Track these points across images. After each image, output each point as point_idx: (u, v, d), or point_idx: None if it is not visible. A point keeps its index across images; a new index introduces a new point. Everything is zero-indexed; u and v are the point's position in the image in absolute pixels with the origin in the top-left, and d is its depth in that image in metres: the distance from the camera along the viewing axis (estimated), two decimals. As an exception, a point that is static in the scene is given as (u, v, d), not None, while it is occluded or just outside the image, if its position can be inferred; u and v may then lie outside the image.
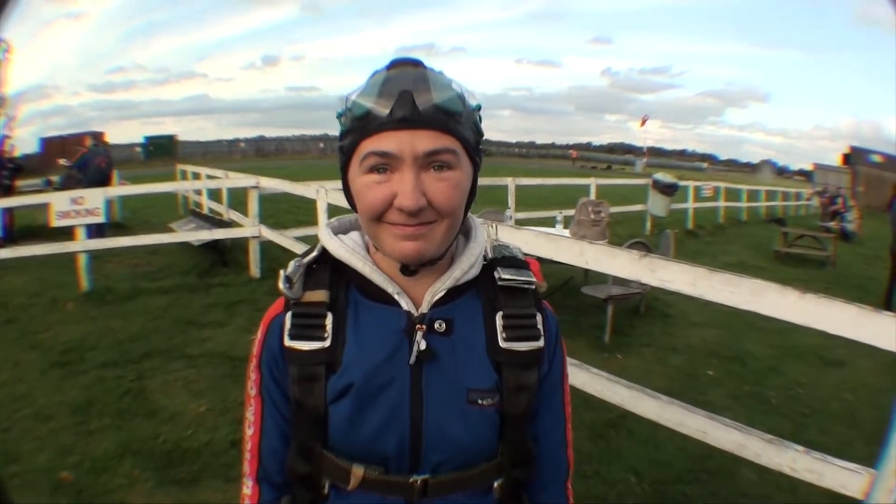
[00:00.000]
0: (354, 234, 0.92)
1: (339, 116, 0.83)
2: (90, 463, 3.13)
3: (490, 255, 0.93)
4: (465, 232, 0.93)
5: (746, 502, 3.02)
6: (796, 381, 4.79)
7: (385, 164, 0.78)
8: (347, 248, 0.89)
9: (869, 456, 2.02)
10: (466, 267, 0.88)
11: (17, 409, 3.75)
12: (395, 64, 0.82)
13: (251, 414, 0.92)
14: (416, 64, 0.82)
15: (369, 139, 0.78)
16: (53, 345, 4.89)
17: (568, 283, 5.66)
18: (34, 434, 3.43)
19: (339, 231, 0.94)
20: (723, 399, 4.27)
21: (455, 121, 0.79)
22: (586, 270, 5.21)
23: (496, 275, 0.90)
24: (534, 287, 0.92)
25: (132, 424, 3.54)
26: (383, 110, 0.77)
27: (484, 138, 0.87)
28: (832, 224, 16.38)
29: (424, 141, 0.77)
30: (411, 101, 0.76)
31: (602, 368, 2.80)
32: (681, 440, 2.70)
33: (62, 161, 10.63)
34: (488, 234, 0.95)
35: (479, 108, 0.84)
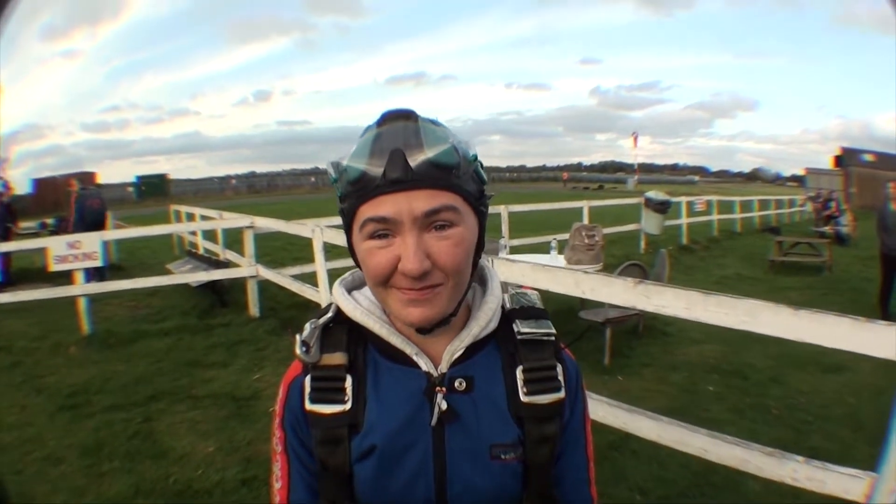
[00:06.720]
0: (368, 292, 0.90)
1: (334, 182, 0.81)
2: (104, 504, 3.15)
3: (508, 306, 0.92)
4: (481, 281, 0.92)
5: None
6: (798, 389, 4.85)
7: (385, 229, 0.76)
8: (363, 310, 0.87)
9: (875, 458, 2.06)
10: (484, 322, 0.87)
11: (27, 451, 3.79)
12: (386, 118, 0.79)
13: (278, 469, 0.93)
14: (408, 116, 0.78)
15: (366, 204, 0.77)
16: (59, 388, 4.93)
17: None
18: (47, 476, 3.47)
19: (353, 287, 0.93)
20: (725, 413, 4.30)
21: (452, 175, 0.77)
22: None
23: (515, 328, 0.88)
24: (553, 338, 0.90)
25: (142, 466, 3.57)
26: (376, 171, 0.75)
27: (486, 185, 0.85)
28: (826, 229, 16.43)
29: (421, 201, 0.75)
30: (403, 161, 0.74)
31: (603, 391, 2.85)
32: (684, 457, 2.74)
33: (71, 217, 10.46)
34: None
35: (475, 158, 0.81)
